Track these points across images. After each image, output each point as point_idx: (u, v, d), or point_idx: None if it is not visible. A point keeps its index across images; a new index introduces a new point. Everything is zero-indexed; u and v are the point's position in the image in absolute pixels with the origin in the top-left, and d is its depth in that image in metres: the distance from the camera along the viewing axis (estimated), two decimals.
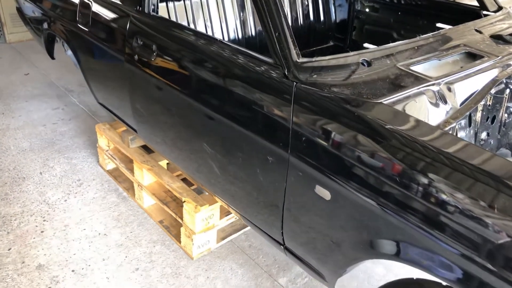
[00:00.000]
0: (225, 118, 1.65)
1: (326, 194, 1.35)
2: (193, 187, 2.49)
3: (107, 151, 2.94)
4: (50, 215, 2.60)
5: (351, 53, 1.51)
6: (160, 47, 1.91)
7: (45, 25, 2.98)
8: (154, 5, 2.03)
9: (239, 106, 1.59)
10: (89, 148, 3.28)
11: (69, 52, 2.83)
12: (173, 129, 2.02)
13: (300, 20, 2.87)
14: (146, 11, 2.04)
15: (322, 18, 3.00)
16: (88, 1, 2.40)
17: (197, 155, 1.93)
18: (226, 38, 2.60)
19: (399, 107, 1.31)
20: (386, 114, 1.25)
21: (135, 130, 2.41)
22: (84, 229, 2.52)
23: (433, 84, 1.42)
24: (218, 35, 2.55)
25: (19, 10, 3.54)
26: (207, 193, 2.33)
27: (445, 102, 1.41)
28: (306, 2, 2.93)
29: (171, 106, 1.95)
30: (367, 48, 1.69)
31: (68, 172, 3.01)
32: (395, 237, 1.22)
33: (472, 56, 1.68)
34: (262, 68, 1.51)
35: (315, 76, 1.43)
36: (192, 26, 2.46)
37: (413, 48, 1.64)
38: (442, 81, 1.44)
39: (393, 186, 1.16)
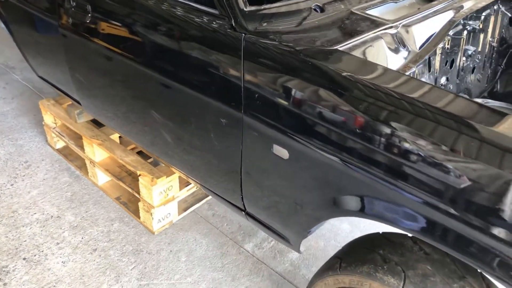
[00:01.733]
0: (172, 81, 1.51)
1: (284, 154, 1.25)
2: (149, 160, 2.36)
3: (54, 128, 2.74)
4: None
5: None
6: (95, 7, 1.72)
7: None
8: None
9: (184, 66, 1.45)
10: (35, 127, 3.06)
11: (1, 24, 2.58)
12: (120, 99, 1.86)
13: None
14: None
15: None
16: None
17: (148, 126, 1.79)
18: None
19: (356, 53, 1.21)
20: (343, 62, 1.15)
21: (80, 103, 2.23)
22: (35, 213, 2.35)
23: (390, 27, 1.32)
24: None
25: None
26: (163, 165, 2.20)
27: (404, 46, 1.32)
28: None
29: (114, 74, 1.79)
30: None
31: (13, 154, 2.80)
32: (359, 192, 1.15)
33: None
34: (206, 20, 1.37)
35: (265, 24, 1.31)
36: None
37: None
38: (400, 23, 1.35)
39: (356, 140, 1.08)
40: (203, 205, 2.46)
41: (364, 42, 1.25)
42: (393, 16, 1.39)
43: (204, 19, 1.37)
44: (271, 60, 1.23)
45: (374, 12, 1.41)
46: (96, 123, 2.56)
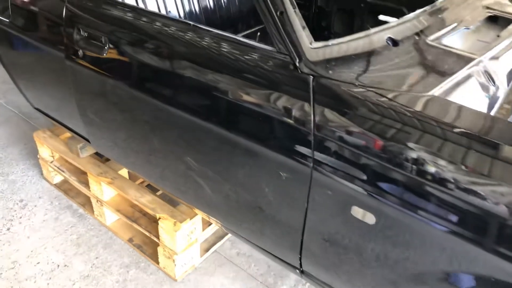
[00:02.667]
0: (215, 126, 1.30)
1: (369, 218, 1.06)
2: (158, 193, 2.13)
3: (51, 162, 2.48)
4: None
5: (372, 31, 1.19)
6: (113, 39, 1.49)
7: None
8: None
9: (232, 110, 1.24)
10: (28, 159, 2.78)
11: None
12: (144, 142, 1.63)
13: None
14: None
15: None
16: None
17: (180, 173, 1.56)
18: (181, 15, 2.19)
19: (454, 98, 1.02)
20: (446, 111, 0.96)
21: (87, 140, 1.98)
22: (38, 263, 2.09)
23: (478, 63, 1.14)
24: (172, 10, 2.13)
25: None
26: (183, 205, 1.97)
27: (494, 82, 1.15)
28: None
29: (137, 114, 1.56)
30: (383, 22, 1.38)
31: (6, 192, 2.52)
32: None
33: (495, 21, 1.42)
34: (261, 58, 1.17)
35: (334, 63, 1.11)
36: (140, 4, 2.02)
37: (432, 15, 1.35)
38: (487, 56, 1.17)
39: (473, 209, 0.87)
40: (225, 243, 2.25)
41: (457, 84, 1.06)
42: (475, 47, 1.21)
43: (259, 57, 1.16)
44: (352, 107, 1.03)
45: (451, 42, 1.23)
46: (100, 155, 2.31)
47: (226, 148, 1.31)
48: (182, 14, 2.16)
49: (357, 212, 1.07)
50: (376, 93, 1.01)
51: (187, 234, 1.94)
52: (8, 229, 2.28)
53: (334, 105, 1.06)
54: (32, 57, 1.95)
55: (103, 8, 1.54)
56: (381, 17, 1.85)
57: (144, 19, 1.42)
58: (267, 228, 1.39)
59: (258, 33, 2.63)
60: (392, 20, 1.46)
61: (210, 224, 2.07)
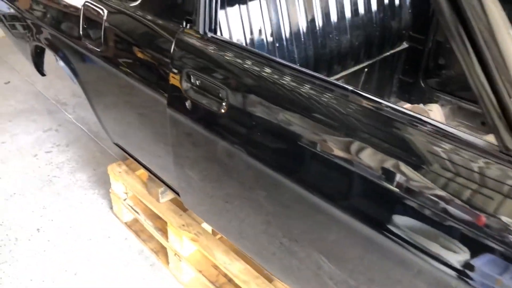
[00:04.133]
0: (371, 227, 0.97)
1: None
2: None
3: (125, 200, 2.23)
4: None
5: None
6: (237, 95, 1.19)
7: (31, 35, 2.21)
8: (212, 19, 1.29)
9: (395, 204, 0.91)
10: (97, 187, 2.56)
11: (68, 71, 2.08)
12: (255, 216, 1.32)
13: (360, 12, 2.13)
14: (201, 30, 1.30)
15: (391, 9, 2.29)
16: (98, 9, 1.64)
17: (300, 264, 1.25)
18: (293, 50, 1.87)
19: None
20: None
21: (176, 193, 1.70)
22: None
23: None
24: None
25: None
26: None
27: None
28: None
29: (246, 181, 1.26)
30: None
31: (74, 223, 2.31)
32: None
33: None
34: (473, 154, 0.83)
35: None
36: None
37: None
38: None
39: None
40: None
41: None
42: None
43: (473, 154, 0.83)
44: None
45: None
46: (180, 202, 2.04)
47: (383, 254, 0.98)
48: (294, 49, 1.85)
49: None
50: None
51: None
52: (75, 274, 2.04)
53: None
54: (122, 93, 1.69)
55: (229, 54, 1.24)
56: None
57: (288, 77, 1.10)
58: None
59: (366, 69, 2.29)
60: None
61: None
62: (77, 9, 1.78)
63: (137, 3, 1.52)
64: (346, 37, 2.08)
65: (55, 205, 2.43)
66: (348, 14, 2.07)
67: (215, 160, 1.33)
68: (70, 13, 1.83)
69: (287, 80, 1.10)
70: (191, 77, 1.29)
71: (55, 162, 2.77)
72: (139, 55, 1.50)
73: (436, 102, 2.41)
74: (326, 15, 1.98)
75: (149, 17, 1.47)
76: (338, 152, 0.99)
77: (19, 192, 2.52)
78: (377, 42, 2.26)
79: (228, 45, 1.24)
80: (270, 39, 1.77)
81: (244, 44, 1.64)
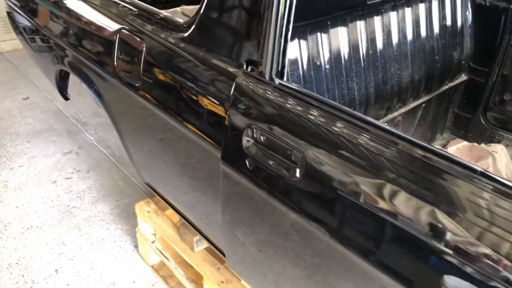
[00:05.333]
0: None
1: None
2: None
3: (153, 242, 2.02)
4: None
5: None
6: (316, 161, 0.96)
7: (56, 57, 2.01)
8: (280, 63, 1.07)
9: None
10: (119, 222, 2.35)
11: (96, 98, 1.88)
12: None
13: (422, 39, 1.91)
14: (267, 75, 1.08)
15: (453, 37, 2.06)
16: (137, 38, 1.43)
17: None
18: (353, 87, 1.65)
19: None
20: None
21: (223, 254, 1.47)
22: None
23: None
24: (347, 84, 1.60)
25: (12, 19, 2.53)
26: None
27: None
28: (442, 18, 1.98)
29: (328, 266, 1.03)
30: None
31: (95, 264, 2.10)
32: None
33: None
34: None
35: None
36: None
37: None
38: None
39: None
40: None
41: None
42: None
43: None
44: None
45: None
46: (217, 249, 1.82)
47: None
48: (354, 87, 1.62)
49: None
50: None
51: None
52: None
53: None
54: (162, 135, 1.48)
55: (305, 107, 1.01)
56: None
57: (379, 140, 0.88)
58: None
59: (423, 105, 2.06)
60: None
61: None
62: (111, 34, 1.57)
63: (185, 34, 1.30)
64: (407, 71, 1.86)
65: (75, 242, 2.22)
66: (409, 37, 1.84)
67: (280, 231, 1.10)
68: (103, 38, 1.63)
69: (391, 151, 0.87)
70: (254, 131, 1.07)
71: (75, 191, 2.56)
72: (186, 97, 1.28)
73: (499, 141, 2.17)
74: (387, 44, 1.76)
75: (200, 54, 1.25)
76: None
77: (36, 224, 2.32)
78: (438, 74, 2.04)
79: (303, 96, 1.02)
80: (329, 76, 1.55)
81: (303, 86, 1.42)
